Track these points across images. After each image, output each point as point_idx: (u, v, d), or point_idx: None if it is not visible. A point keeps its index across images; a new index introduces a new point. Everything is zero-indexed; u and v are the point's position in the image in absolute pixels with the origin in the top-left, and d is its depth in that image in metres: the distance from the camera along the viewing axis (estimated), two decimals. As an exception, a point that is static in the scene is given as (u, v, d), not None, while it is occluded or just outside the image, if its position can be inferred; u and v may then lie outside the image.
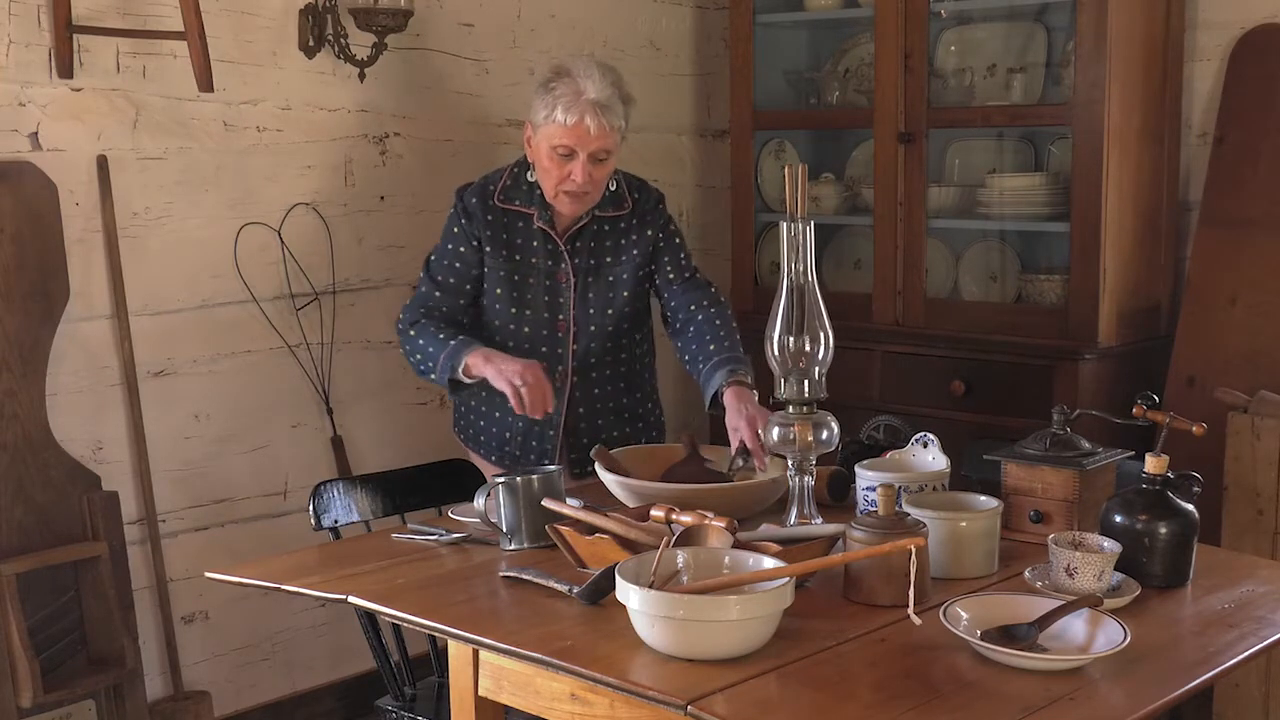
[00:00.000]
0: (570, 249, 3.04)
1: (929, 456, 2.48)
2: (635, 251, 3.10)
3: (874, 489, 2.40)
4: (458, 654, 2.14)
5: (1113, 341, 3.61)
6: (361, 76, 3.63)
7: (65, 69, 3.12)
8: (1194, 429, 2.27)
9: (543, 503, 2.33)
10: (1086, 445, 2.38)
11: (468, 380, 2.92)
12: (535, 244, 3.04)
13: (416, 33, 3.72)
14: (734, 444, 2.68)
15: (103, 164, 3.22)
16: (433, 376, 2.99)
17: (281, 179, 3.55)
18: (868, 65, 4.04)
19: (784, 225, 2.31)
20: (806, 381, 2.30)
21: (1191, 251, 3.75)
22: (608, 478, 2.57)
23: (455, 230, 3.07)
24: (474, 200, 3.06)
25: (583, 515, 2.25)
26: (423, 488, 2.98)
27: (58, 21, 3.08)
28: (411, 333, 3.03)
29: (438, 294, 3.06)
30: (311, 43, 3.53)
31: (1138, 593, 2.08)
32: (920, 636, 1.91)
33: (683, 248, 3.19)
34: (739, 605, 1.84)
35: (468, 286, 3.07)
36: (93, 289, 3.24)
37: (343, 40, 3.56)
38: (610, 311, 3.09)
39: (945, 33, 3.98)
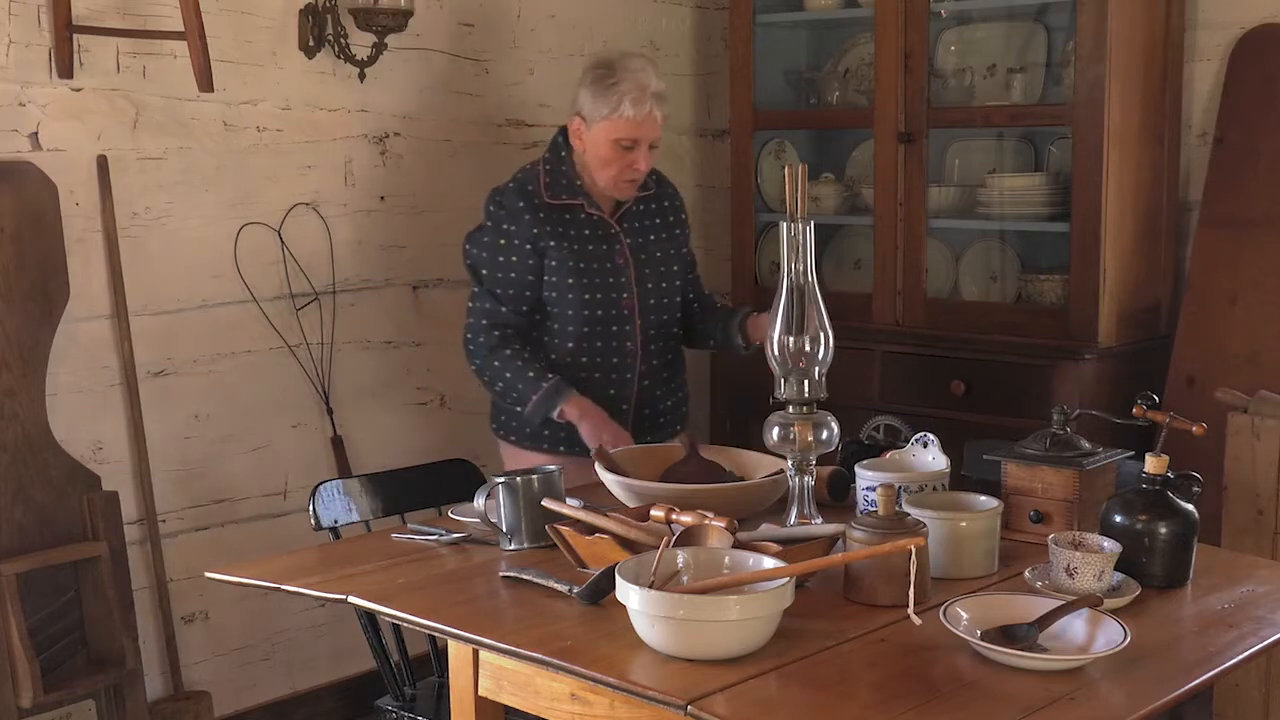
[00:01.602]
0: (621, 229, 3.18)
1: (929, 456, 2.48)
2: (677, 231, 3.29)
3: (874, 489, 2.40)
4: (458, 654, 2.14)
5: (1113, 341, 3.61)
6: (361, 76, 3.63)
7: (65, 69, 3.12)
8: (1194, 429, 2.27)
9: (543, 503, 2.33)
10: (1086, 445, 2.38)
11: (557, 420, 3.08)
12: (587, 232, 3.13)
13: (416, 33, 3.72)
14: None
15: (103, 164, 3.22)
16: (519, 409, 3.11)
17: (281, 179, 3.55)
18: (868, 65, 4.04)
19: (784, 225, 2.31)
20: (806, 381, 2.30)
21: (1191, 251, 3.75)
22: (608, 478, 2.57)
23: (501, 241, 3.12)
24: (519, 204, 3.11)
25: (583, 515, 2.25)
26: (423, 488, 2.98)
27: (58, 21, 3.08)
28: (496, 363, 3.09)
29: (502, 309, 3.12)
30: (311, 43, 3.54)
31: (1138, 593, 2.08)
32: (920, 636, 1.91)
33: (690, 255, 3.42)
34: (739, 605, 1.84)
35: (527, 293, 3.12)
36: (93, 289, 3.24)
37: (343, 40, 3.56)
38: (665, 285, 3.24)
39: (945, 33, 3.98)
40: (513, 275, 3.11)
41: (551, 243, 3.09)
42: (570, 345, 3.13)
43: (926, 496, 2.35)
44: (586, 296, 3.11)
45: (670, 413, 3.29)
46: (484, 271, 3.14)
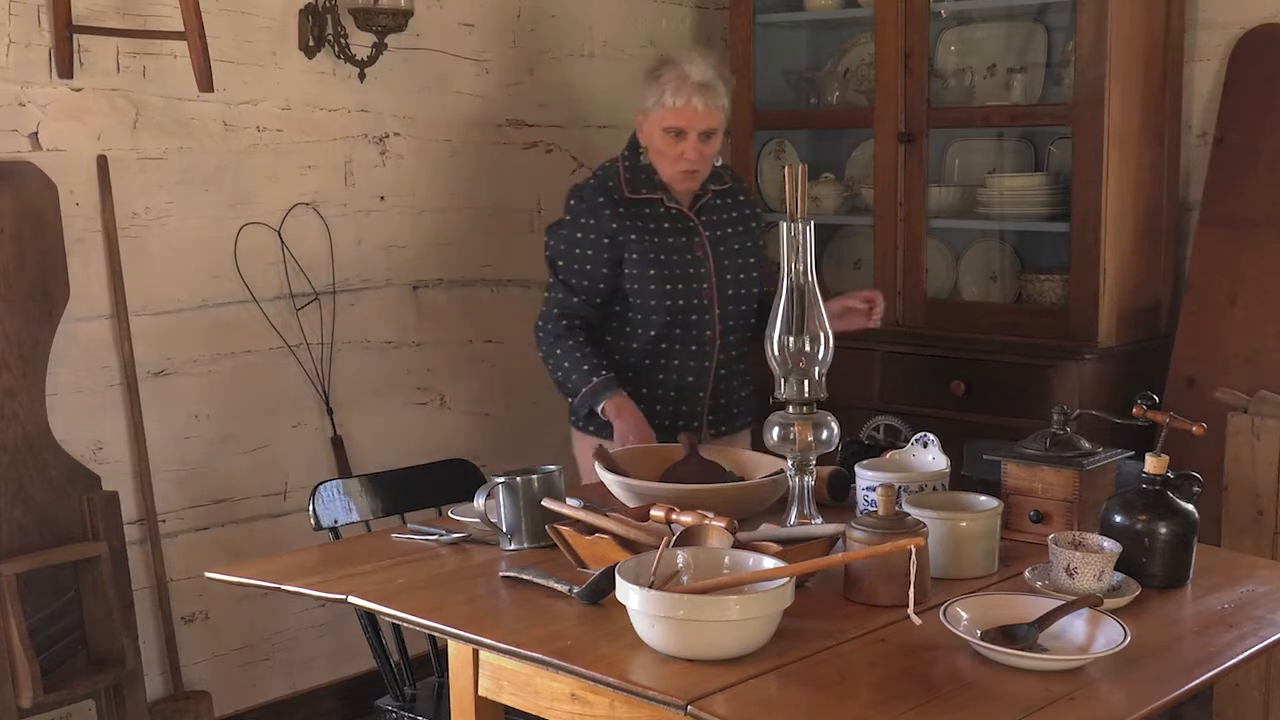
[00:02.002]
0: (700, 221, 3.22)
1: (929, 456, 2.48)
2: (753, 225, 3.34)
3: (874, 489, 2.40)
4: (458, 654, 2.14)
5: (1113, 341, 3.61)
6: (361, 76, 3.63)
7: (65, 69, 3.12)
8: (1194, 429, 2.27)
9: (543, 503, 2.33)
10: (1086, 445, 2.38)
11: (602, 416, 3.11)
12: (667, 225, 3.19)
13: (416, 33, 3.72)
14: (856, 300, 3.19)
15: (103, 164, 3.22)
16: (569, 399, 3.17)
17: (281, 179, 3.55)
18: (868, 65, 4.04)
19: (784, 225, 2.31)
20: (806, 381, 2.30)
21: (1191, 251, 3.75)
22: (608, 478, 2.57)
23: (579, 234, 3.17)
24: (600, 199, 3.17)
25: (583, 515, 2.25)
26: (423, 488, 2.98)
27: (58, 21, 3.08)
28: (558, 350, 3.14)
29: (574, 299, 3.17)
30: (311, 43, 3.54)
31: (1138, 593, 2.08)
32: (920, 636, 1.91)
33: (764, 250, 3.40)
34: (739, 605, 1.84)
35: (600, 285, 3.17)
36: (93, 289, 3.24)
37: (343, 40, 3.56)
38: (742, 276, 3.26)
39: (945, 33, 3.98)
40: (588, 267, 3.16)
41: (632, 236, 3.15)
42: (652, 334, 3.18)
43: (926, 496, 2.35)
44: (668, 287, 3.16)
45: (744, 404, 3.34)
46: (560, 263, 3.19)
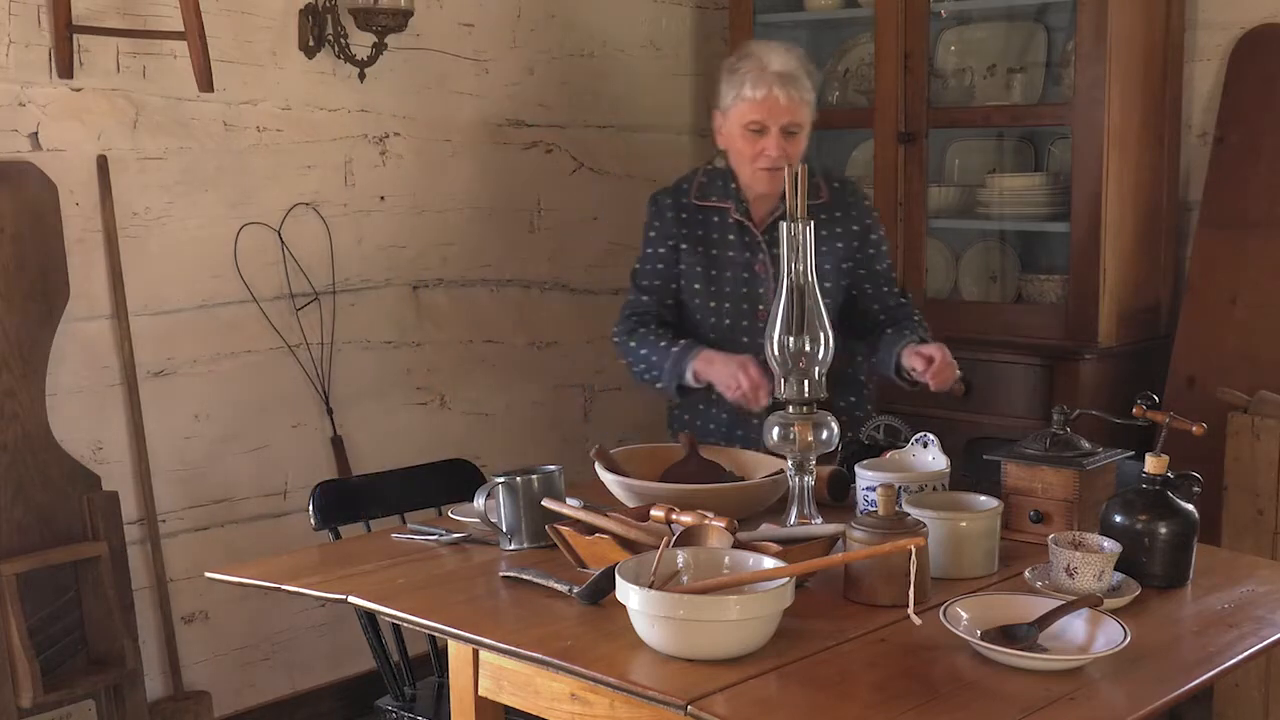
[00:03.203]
0: (767, 239, 3.03)
1: (929, 456, 2.48)
2: (839, 245, 3.08)
3: (874, 489, 2.40)
4: (458, 654, 2.14)
5: (1113, 341, 3.61)
6: (361, 76, 3.63)
7: (65, 69, 3.12)
8: (1194, 429, 2.27)
9: (543, 503, 2.33)
10: (1086, 445, 2.38)
11: (696, 385, 2.95)
12: (731, 237, 3.05)
13: (416, 33, 3.72)
14: (919, 363, 2.83)
15: (103, 164, 3.22)
16: (659, 385, 3.03)
17: (281, 179, 3.55)
18: (868, 65, 4.04)
19: (784, 225, 2.31)
20: (806, 381, 2.30)
21: (1191, 251, 3.75)
22: (608, 478, 2.57)
23: (652, 234, 3.12)
24: (667, 201, 3.11)
25: (583, 515, 2.25)
26: (423, 488, 2.98)
27: (58, 21, 3.08)
28: (631, 343, 3.05)
29: (645, 299, 3.10)
30: (311, 43, 3.54)
31: (1138, 593, 2.08)
32: (920, 636, 1.91)
33: (887, 257, 3.16)
34: (739, 605, 1.84)
35: (672, 286, 3.11)
36: (93, 289, 3.24)
37: (343, 40, 3.56)
38: None
39: (945, 33, 3.98)
40: (659, 268, 3.10)
41: (684, 245, 3.07)
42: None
43: (926, 496, 2.35)
44: (712, 304, 3.07)
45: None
46: (636, 266, 3.15)
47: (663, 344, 2.99)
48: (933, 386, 2.85)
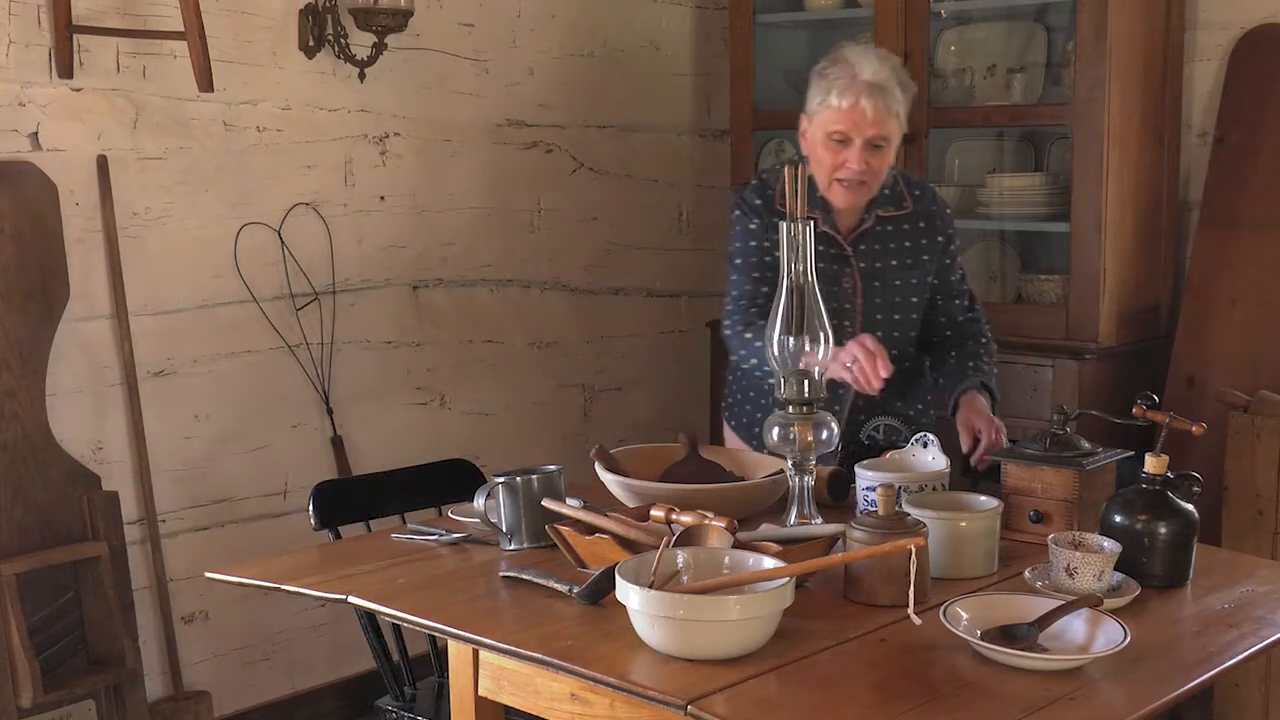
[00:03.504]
0: (855, 252, 2.86)
1: (929, 456, 2.48)
2: (925, 257, 2.92)
3: (874, 489, 2.40)
4: (458, 654, 2.14)
5: (1113, 341, 3.61)
6: (361, 76, 3.63)
7: (65, 69, 3.12)
8: (1194, 429, 2.27)
9: (543, 503, 2.33)
10: (1086, 445, 2.38)
11: None
12: (820, 248, 2.76)
13: (416, 33, 3.72)
14: (965, 440, 2.71)
15: (103, 164, 3.22)
16: (772, 381, 2.72)
17: (281, 179, 3.55)
18: (868, 65, 4.04)
19: (784, 225, 2.30)
20: (806, 381, 2.30)
21: (1191, 251, 3.75)
22: (608, 478, 2.57)
23: (751, 226, 2.90)
24: (756, 200, 2.91)
25: (583, 515, 2.25)
26: (423, 488, 2.97)
27: (58, 21, 3.08)
28: (747, 334, 2.82)
29: (764, 289, 2.84)
30: (311, 43, 3.54)
31: (1138, 593, 2.08)
32: (920, 636, 1.91)
33: (960, 267, 3.02)
34: (739, 605, 1.84)
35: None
36: (93, 289, 3.24)
37: (343, 40, 3.57)
38: (898, 317, 2.91)
39: (945, 33, 3.98)
40: (766, 260, 2.85)
41: (776, 253, 2.79)
42: None
43: (926, 496, 2.35)
44: None
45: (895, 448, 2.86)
46: (738, 260, 2.90)
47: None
48: (974, 463, 2.74)
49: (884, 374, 2.55)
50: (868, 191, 2.82)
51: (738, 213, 2.95)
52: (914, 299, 2.92)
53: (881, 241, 2.88)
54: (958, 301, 3.00)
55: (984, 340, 2.99)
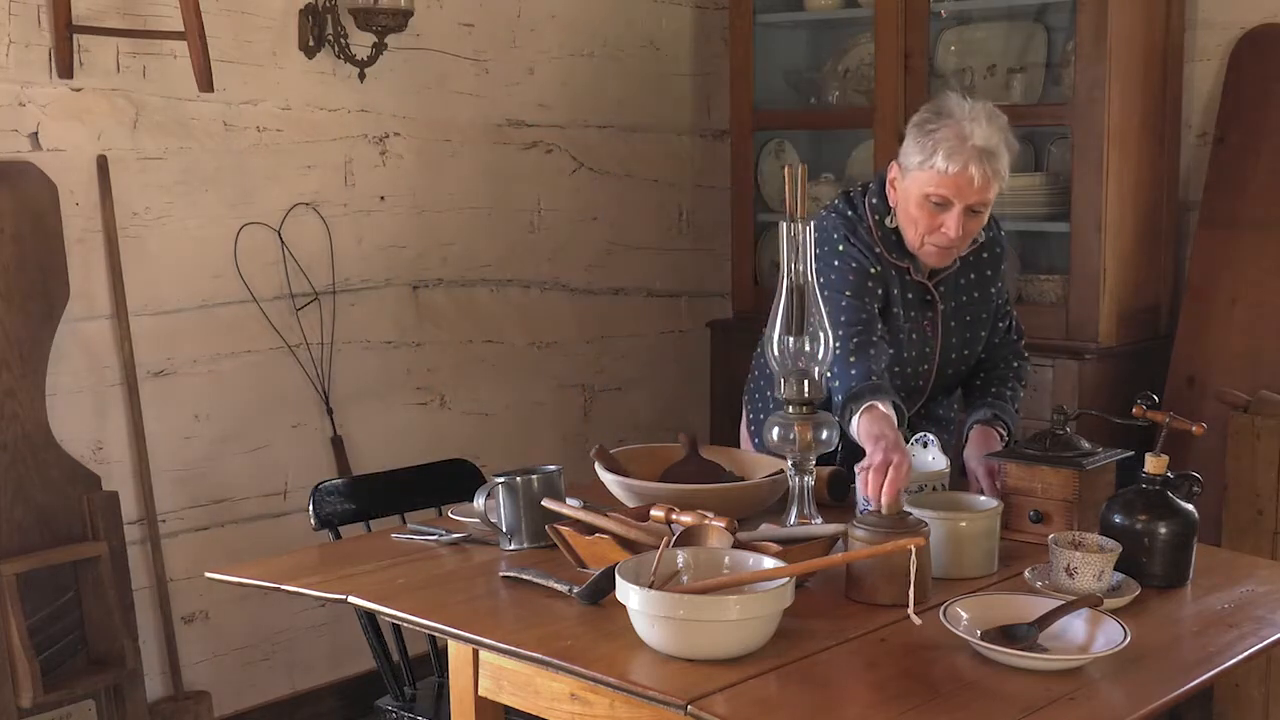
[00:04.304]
0: (938, 295, 2.76)
1: (929, 456, 2.48)
2: (992, 290, 2.83)
3: (874, 489, 2.40)
4: (458, 654, 2.14)
5: (1113, 341, 3.61)
6: (361, 76, 3.63)
7: (65, 69, 3.12)
8: (1194, 429, 2.27)
9: (543, 503, 2.33)
10: (1086, 445, 2.38)
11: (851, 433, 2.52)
12: (911, 295, 2.72)
13: (416, 33, 3.72)
14: (972, 485, 2.59)
15: (103, 164, 3.22)
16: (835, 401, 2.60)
17: (281, 179, 3.55)
18: (868, 65, 4.04)
19: (783, 225, 2.30)
20: (806, 381, 2.30)
21: (1191, 251, 3.75)
22: (608, 478, 2.57)
23: (853, 263, 2.68)
24: (854, 235, 2.69)
25: (583, 515, 2.25)
26: (423, 488, 2.98)
27: (58, 21, 3.08)
28: (852, 358, 2.58)
29: (864, 313, 2.65)
30: (311, 43, 3.54)
31: (1138, 593, 2.08)
32: (920, 636, 1.91)
33: (1005, 292, 2.92)
34: (739, 605, 1.84)
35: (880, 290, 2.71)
36: (93, 289, 3.24)
37: (343, 40, 3.57)
38: (967, 352, 2.83)
39: (945, 33, 3.98)
40: (870, 283, 2.66)
41: (881, 292, 2.67)
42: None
43: (926, 496, 2.35)
44: (895, 368, 2.70)
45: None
46: (833, 277, 2.65)
47: (860, 370, 2.56)
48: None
49: (885, 500, 2.21)
50: (957, 253, 2.70)
51: (836, 235, 2.70)
52: (983, 332, 2.84)
53: (959, 277, 2.79)
54: (1000, 324, 2.91)
55: (1015, 365, 2.90)
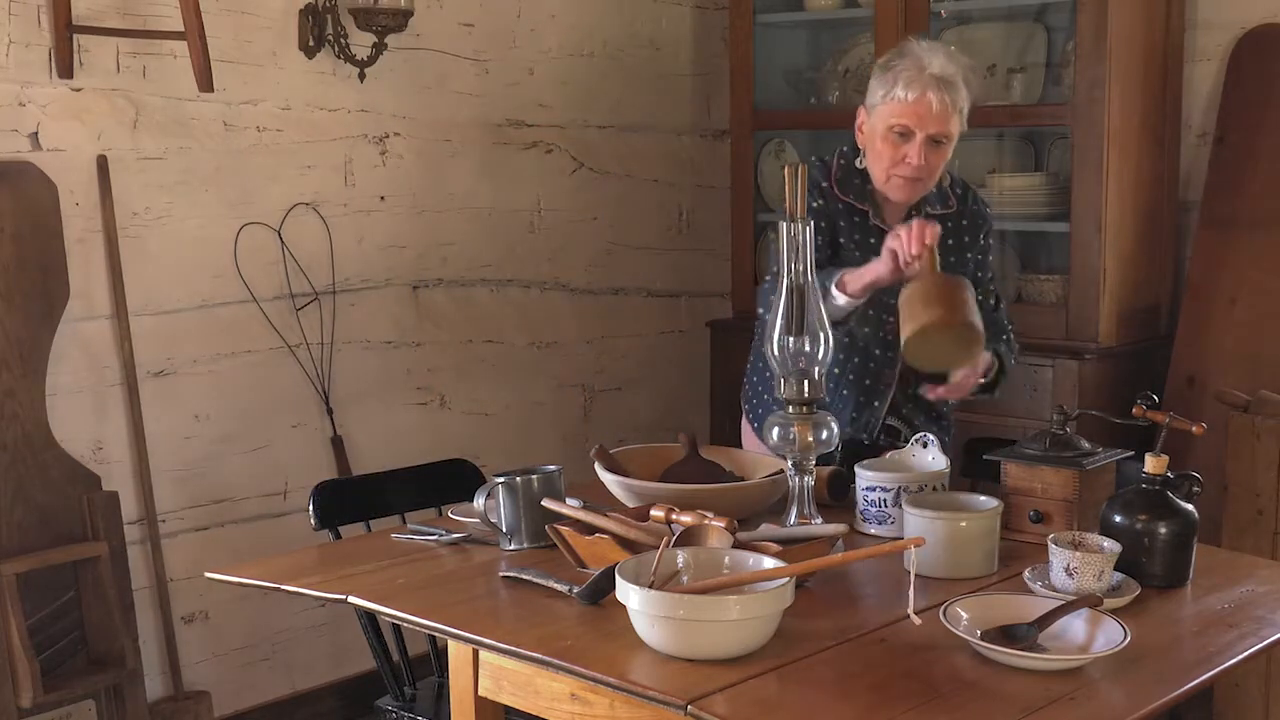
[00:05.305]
0: None
1: (929, 456, 2.48)
2: (968, 255, 2.88)
3: (874, 489, 2.40)
4: (458, 654, 2.14)
5: (1113, 341, 3.62)
6: (361, 76, 3.63)
7: (65, 69, 3.12)
8: (1194, 429, 2.27)
9: (543, 503, 2.33)
10: (1086, 445, 2.38)
11: (844, 300, 2.58)
12: (872, 240, 2.76)
13: (416, 33, 3.72)
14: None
15: (103, 164, 3.22)
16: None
17: (281, 179, 3.55)
18: (868, 65, 4.03)
19: (783, 225, 2.30)
20: (806, 381, 2.30)
21: (1191, 251, 3.75)
22: (608, 478, 2.57)
23: (814, 205, 2.76)
24: (824, 184, 2.81)
25: (583, 515, 2.25)
26: (423, 488, 2.97)
27: (58, 21, 3.08)
28: (765, 287, 2.67)
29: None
30: (311, 43, 3.54)
31: (1138, 593, 2.08)
32: (920, 636, 1.91)
33: (991, 266, 2.98)
34: (739, 605, 1.84)
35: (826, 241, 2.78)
36: (93, 289, 3.24)
37: (343, 40, 3.57)
38: None
39: (945, 33, 3.98)
40: (820, 224, 2.73)
41: (841, 239, 2.77)
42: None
43: (926, 496, 2.35)
44: (867, 321, 2.77)
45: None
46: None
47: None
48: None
49: (928, 239, 2.42)
50: (924, 188, 2.77)
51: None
52: None
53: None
54: (980, 298, 2.85)
55: (1005, 338, 2.94)
